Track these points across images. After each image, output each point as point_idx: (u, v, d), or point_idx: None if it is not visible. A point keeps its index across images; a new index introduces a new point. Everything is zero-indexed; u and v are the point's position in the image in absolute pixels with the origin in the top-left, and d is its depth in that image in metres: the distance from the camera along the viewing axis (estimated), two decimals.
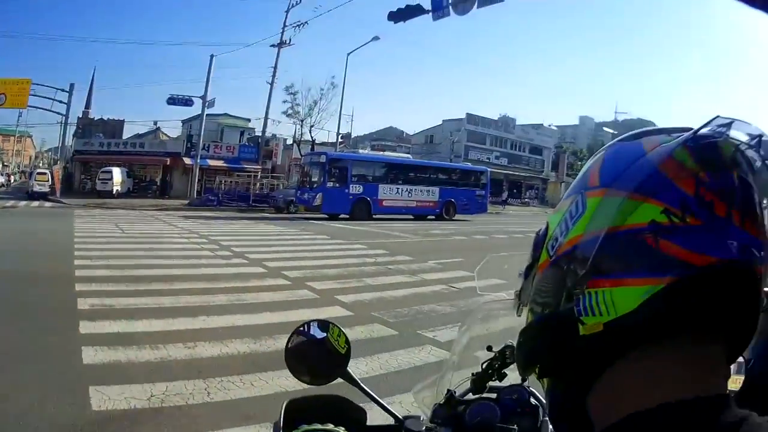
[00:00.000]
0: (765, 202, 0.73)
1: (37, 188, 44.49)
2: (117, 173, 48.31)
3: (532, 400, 1.74)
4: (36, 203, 38.55)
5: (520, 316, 0.96)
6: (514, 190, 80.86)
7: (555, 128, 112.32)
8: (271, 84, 51.04)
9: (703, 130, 0.75)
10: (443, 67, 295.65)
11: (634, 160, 0.77)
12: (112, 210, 34.84)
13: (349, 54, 52.09)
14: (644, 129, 0.85)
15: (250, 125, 62.62)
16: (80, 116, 61.10)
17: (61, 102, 50.37)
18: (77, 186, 52.89)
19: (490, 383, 1.76)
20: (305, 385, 1.79)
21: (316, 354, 1.74)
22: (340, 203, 34.41)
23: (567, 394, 0.79)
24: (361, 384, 1.72)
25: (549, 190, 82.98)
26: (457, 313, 9.85)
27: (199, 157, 47.78)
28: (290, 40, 49.78)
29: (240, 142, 58.94)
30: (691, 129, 0.77)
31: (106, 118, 62.12)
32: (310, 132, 55.82)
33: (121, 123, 62.14)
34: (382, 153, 48.76)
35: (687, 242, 0.69)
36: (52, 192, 44.08)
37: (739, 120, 0.76)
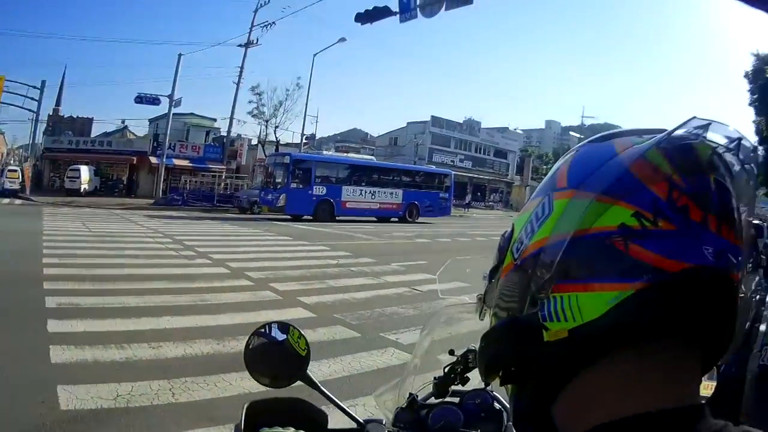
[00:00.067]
0: (743, 207, 0.72)
1: (8, 185, 43.60)
2: (85, 171, 47.74)
3: (496, 404, 1.74)
4: (6, 200, 37.93)
5: (483, 320, 0.96)
6: (478, 194, 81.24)
7: (520, 132, 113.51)
8: (237, 84, 50.71)
9: (679, 132, 0.74)
10: (408, 70, 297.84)
11: (604, 161, 0.75)
12: (79, 208, 34.37)
13: (315, 55, 51.99)
14: (617, 130, 0.84)
15: (216, 125, 62.26)
16: (51, 114, 60.24)
17: (32, 99, 49.83)
18: (47, 183, 52.14)
19: (453, 387, 1.76)
20: (267, 388, 1.76)
21: (277, 356, 1.71)
22: (303, 204, 34.25)
23: (532, 401, 0.76)
24: (321, 387, 1.71)
25: (514, 193, 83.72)
26: (420, 315, 9.88)
27: (165, 156, 47.39)
28: (257, 40, 49.46)
29: (205, 141, 58.52)
30: (667, 130, 0.75)
31: (75, 116, 61.29)
32: (274, 133, 55.67)
33: (90, 121, 61.26)
34: (346, 155, 48.88)
35: (659, 247, 0.67)
36: (23, 189, 43.55)
37: (717, 122, 0.75)
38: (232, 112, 51.86)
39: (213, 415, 5.54)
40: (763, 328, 7.95)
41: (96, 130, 62.21)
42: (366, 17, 22.68)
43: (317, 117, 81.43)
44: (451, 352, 1.79)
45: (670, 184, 0.69)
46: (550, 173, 0.84)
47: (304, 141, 55.49)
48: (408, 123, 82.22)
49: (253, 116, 55.46)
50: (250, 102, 55.66)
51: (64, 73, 70.90)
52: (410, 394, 1.77)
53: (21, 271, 11.92)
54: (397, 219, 39.31)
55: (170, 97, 46.35)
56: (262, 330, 1.76)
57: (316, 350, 5.39)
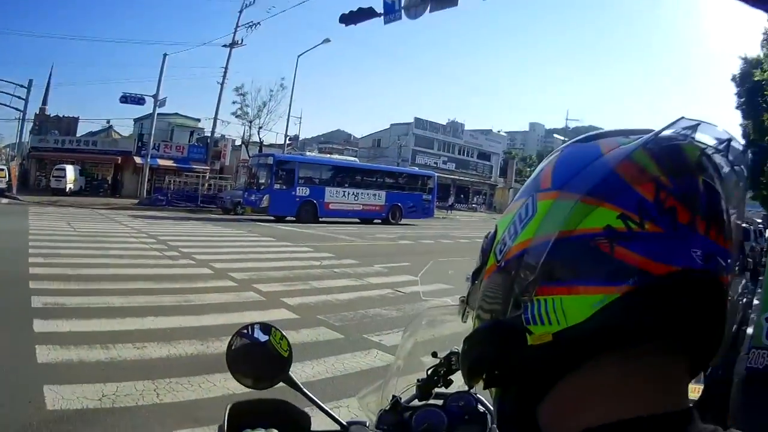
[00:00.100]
0: (732, 209, 0.71)
1: None
2: (70, 171, 47.59)
3: (480, 407, 1.75)
4: None
5: (465, 322, 0.96)
6: (462, 196, 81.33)
7: (504, 134, 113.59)
8: (222, 84, 50.52)
9: (666, 132, 0.72)
10: (392, 71, 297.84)
11: (589, 161, 0.73)
12: (64, 208, 34.15)
13: (299, 56, 51.95)
14: (602, 130, 0.82)
15: (200, 125, 61.74)
16: (37, 113, 59.98)
17: (19, 98, 49.97)
18: (33, 183, 51.83)
19: (436, 390, 1.76)
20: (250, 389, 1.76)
21: (259, 357, 1.71)
22: (286, 205, 34.19)
23: (516, 404, 0.75)
24: (304, 389, 1.71)
25: (497, 195, 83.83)
26: (404, 317, 9.88)
27: (149, 156, 47.15)
28: (242, 40, 49.36)
29: (190, 142, 58.08)
30: (654, 131, 0.74)
31: (61, 116, 60.98)
32: (258, 133, 55.43)
33: (76, 120, 60.94)
34: (329, 156, 48.85)
35: (646, 250, 0.65)
36: (9, 188, 43.00)
37: (706, 122, 0.74)
38: (216, 113, 51.78)
39: (197, 415, 5.55)
40: (750, 331, 7.95)
41: (82, 130, 62.03)
42: (350, 18, 22.61)
43: (301, 118, 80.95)
44: (434, 354, 1.77)
45: (657, 186, 0.68)
46: (533, 174, 0.82)
47: (287, 142, 55.35)
48: (391, 124, 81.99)
49: (237, 117, 55.21)
50: (234, 102, 55.27)
51: (50, 72, 70.23)
52: (393, 396, 1.76)
53: (7, 270, 11.83)
54: (380, 220, 39.29)
55: (155, 97, 46.15)
56: (245, 331, 1.75)
57: (299, 351, 5.33)
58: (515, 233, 0.75)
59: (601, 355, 0.67)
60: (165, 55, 46.60)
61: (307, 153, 45.10)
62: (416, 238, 28.38)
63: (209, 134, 54.83)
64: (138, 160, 49.86)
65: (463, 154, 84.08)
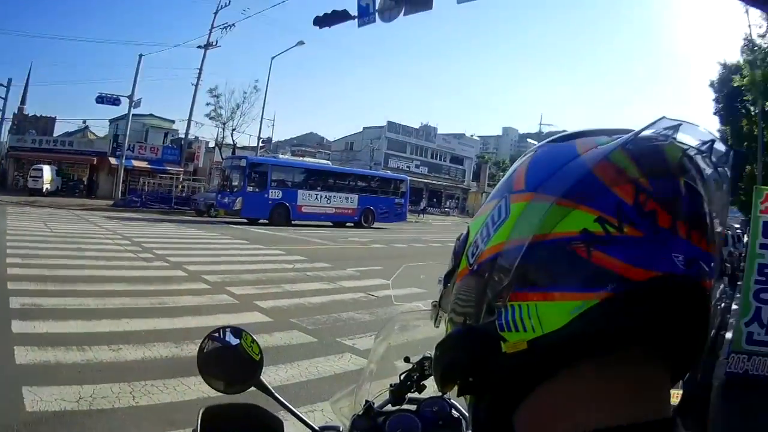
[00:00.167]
0: (715, 212, 0.69)
1: None
2: (47, 171, 47.23)
3: (454, 412, 1.74)
4: None
5: (438, 326, 0.96)
6: (434, 200, 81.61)
7: (477, 138, 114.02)
8: (196, 86, 50.36)
9: (646, 132, 0.70)
10: (365, 75, 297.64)
11: (565, 162, 0.71)
12: (41, 208, 33.80)
13: (273, 58, 51.97)
14: (580, 130, 0.79)
15: (174, 127, 61.51)
16: (16, 112, 59.53)
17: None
18: (11, 183, 51.40)
19: (410, 395, 1.77)
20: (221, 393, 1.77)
21: (230, 360, 1.72)
22: (259, 208, 34.09)
23: (491, 411, 0.73)
24: (275, 394, 1.71)
25: (470, 200, 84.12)
26: (376, 321, 9.92)
27: (124, 157, 46.98)
28: (217, 42, 49.22)
29: (164, 143, 57.92)
30: (633, 131, 0.71)
31: (39, 115, 60.55)
32: (231, 135, 55.24)
33: (53, 120, 60.69)
34: (302, 159, 48.76)
35: (625, 254, 0.63)
36: None
37: (689, 122, 0.72)
38: (190, 114, 51.67)
39: (173, 418, 5.55)
40: (729, 336, 8.03)
41: (60, 129, 61.78)
42: (324, 21, 22.58)
43: (274, 120, 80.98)
44: (407, 360, 1.78)
45: (637, 188, 0.66)
46: (507, 174, 0.80)
47: (260, 144, 55.25)
48: (364, 128, 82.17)
49: (211, 119, 54.94)
50: (208, 104, 55.08)
51: (29, 71, 69.54)
52: (366, 401, 1.74)
53: None
54: (352, 224, 39.22)
55: (130, 97, 45.78)
56: (216, 334, 1.75)
57: (273, 355, 5.38)
58: (488, 236, 0.73)
59: (579, 362, 0.65)
60: (141, 55, 46.39)
61: (280, 156, 45.07)
62: (389, 242, 28.42)
63: (183, 136, 54.59)
64: (113, 161, 49.99)
65: (436, 158, 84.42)
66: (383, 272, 15.46)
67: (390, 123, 78.57)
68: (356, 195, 39.74)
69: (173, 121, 62.15)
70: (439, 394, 1.71)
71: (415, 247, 26.79)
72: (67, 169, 52.78)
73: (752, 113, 24.52)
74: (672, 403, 0.72)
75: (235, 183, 34.84)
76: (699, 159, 0.70)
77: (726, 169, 0.71)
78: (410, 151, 79.95)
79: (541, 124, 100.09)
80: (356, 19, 22.42)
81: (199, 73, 49.88)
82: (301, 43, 48.70)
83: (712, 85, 30.78)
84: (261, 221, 34.11)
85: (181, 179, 50.51)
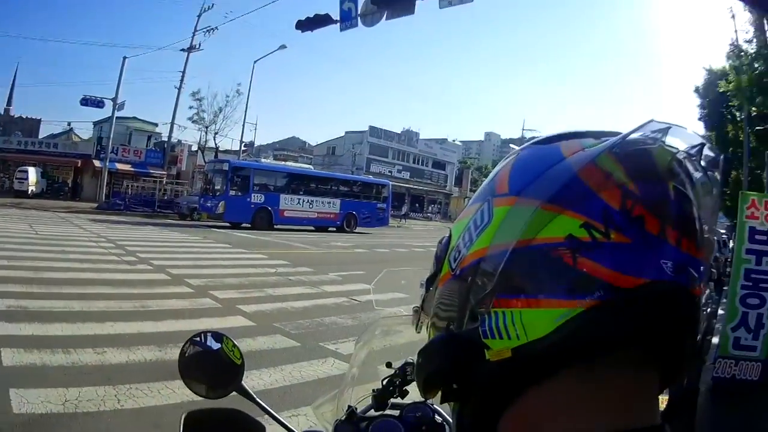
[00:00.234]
0: (705, 218, 0.67)
1: None
2: (32, 173, 47.07)
3: (437, 417, 1.71)
4: None
5: (419, 332, 0.93)
6: (417, 205, 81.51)
7: (459, 143, 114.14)
8: (179, 89, 50.10)
9: (634, 135, 0.69)
10: (347, 79, 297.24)
11: (549, 165, 0.69)
12: (26, 210, 33.72)
13: (255, 61, 51.82)
14: (565, 132, 0.77)
15: (158, 130, 61.06)
16: (2, 113, 59.19)
17: None
18: None
19: (392, 400, 1.74)
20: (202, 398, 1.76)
21: (212, 364, 1.72)
22: (242, 212, 34.02)
23: (476, 418, 0.71)
24: (257, 398, 1.70)
25: (452, 205, 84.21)
26: (359, 326, 9.87)
27: (108, 160, 46.82)
28: (200, 45, 49.03)
29: (147, 146, 57.60)
30: (621, 134, 0.70)
31: (24, 117, 60.13)
32: (214, 139, 55.05)
33: (38, 122, 60.18)
34: (284, 163, 48.65)
35: (612, 261, 0.62)
36: None
37: (678, 126, 0.70)
38: (173, 118, 51.40)
39: (158, 422, 5.58)
40: (715, 341, 8.06)
41: (45, 131, 61.25)
42: (306, 25, 22.54)
43: (256, 124, 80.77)
44: (389, 365, 1.76)
45: (624, 193, 0.64)
46: (489, 176, 0.78)
47: (243, 148, 55.10)
48: (346, 132, 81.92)
49: (194, 122, 54.73)
50: (190, 107, 54.90)
51: (15, 72, 69.15)
52: (349, 406, 1.71)
53: None
54: (335, 228, 39.19)
55: (114, 100, 45.61)
56: (197, 338, 1.75)
57: (256, 359, 5.39)
58: (470, 241, 0.72)
59: (564, 370, 0.64)
60: (125, 58, 46.18)
61: (262, 160, 45.02)
62: (371, 247, 28.42)
63: (166, 139, 54.36)
64: (97, 163, 49.85)
65: (418, 163, 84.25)
66: (366, 277, 15.26)
67: (372, 128, 78.42)
68: (338, 200, 39.65)
69: (156, 124, 61.79)
70: (422, 399, 1.68)
71: (397, 251, 26.81)
72: (52, 171, 52.45)
73: (738, 119, 24.62)
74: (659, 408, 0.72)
75: (218, 187, 34.74)
76: (688, 163, 0.68)
77: (716, 173, 0.70)
78: (392, 155, 79.79)
79: (523, 129, 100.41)
80: (338, 24, 22.46)
81: (182, 76, 49.70)
82: (283, 47, 48.66)
83: (696, 90, 30.88)
84: (243, 225, 33.98)
85: (164, 182, 50.36)
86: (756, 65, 13.63)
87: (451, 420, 1.52)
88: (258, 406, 1.70)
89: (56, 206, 38.46)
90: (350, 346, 8.22)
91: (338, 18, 22.38)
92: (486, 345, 0.66)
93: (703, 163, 0.69)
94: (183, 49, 49.25)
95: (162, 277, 13.95)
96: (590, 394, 0.65)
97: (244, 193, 34.33)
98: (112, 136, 47.37)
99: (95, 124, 59.90)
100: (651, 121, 0.70)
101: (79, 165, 52.15)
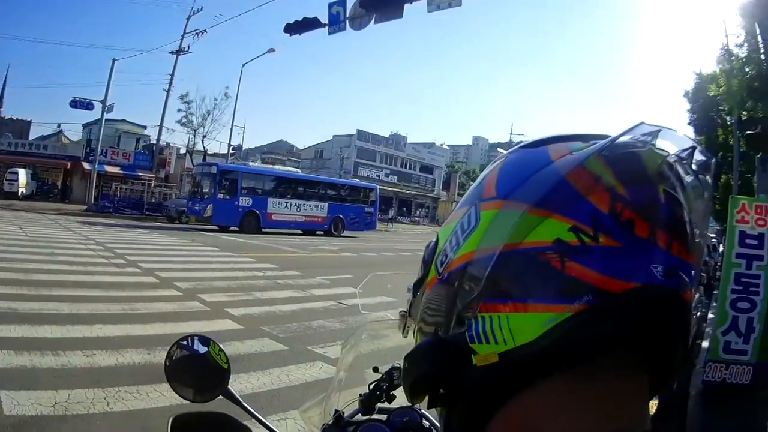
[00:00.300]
0: (696, 222, 0.66)
1: None
2: (22, 175, 47.08)
3: (425, 422, 1.70)
4: None
5: (406, 336, 0.92)
6: (404, 209, 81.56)
7: (447, 147, 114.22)
8: (168, 92, 50.00)
9: (623, 138, 0.68)
10: (335, 83, 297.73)
11: (537, 168, 0.69)
12: (16, 212, 33.65)
13: (244, 65, 51.89)
14: (553, 135, 0.76)
15: (146, 132, 60.91)
16: None
17: None
18: None
19: (379, 404, 1.75)
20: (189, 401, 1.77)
21: (198, 368, 1.72)
22: (230, 215, 33.91)
23: (463, 423, 0.71)
24: (243, 403, 1.72)
25: (440, 209, 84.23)
26: (347, 329, 9.82)
27: (97, 162, 46.63)
28: (189, 47, 48.94)
29: (136, 149, 57.56)
30: (610, 136, 0.69)
31: (15, 118, 60.02)
32: (202, 142, 55.05)
33: (28, 123, 60.33)
34: (272, 166, 48.63)
35: (601, 265, 0.61)
36: None
37: (668, 128, 0.70)
38: (162, 120, 51.30)
39: (146, 425, 5.59)
40: (705, 345, 8.11)
41: (35, 133, 61.34)
42: (295, 28, 22.57)
43: (244, 128, 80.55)
44: (375, 369, 1.76)
45: (613, 196, 0.63)
46: (477, 180, 0.78)
47: (231, 151, 55.02)
48: (334, 136, 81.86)
49: (182, 125, 54.73)
50: (179, 110, 54.88)
51: (6, 74, 68.74)
52: (336, 410, 1.71)
53: None
54: (322, 232, 39.14)
55: (103, 102, 45.31)
56: (184, 342, 1.75)
57: (244, 362, 5.46)
58: (457, 245, 0.71)
59: (552, 374, 0.64)
60: (114, 60, 45.95)
61: (250, 163, 44.85)
62: (358, 251, 28.45)
63: (155, 142, 54.24)
64: (86, 165, 49.64)
65: (406, 167, 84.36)
66: (353, 281, 15.35)
67: (359, 131, 78.42)
68: (326, 203, 39.67)
69: (145, 127, 61.57)
70: (410, 404, 1.65)
71: (385, 255, 26.84)
72: (42, 173, 52.44)
73: (728, 123, 24.69)
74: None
75: (206, 190, 34.61)
76: (679, 166, 0.67)
77: (708, 177, 0.69)
78: (380, 159, 79.82)
79: (511, 133, 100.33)
80: (327, 27, 22.49)
81: (171, 79, 49.64)
82: (271, 50, 48.78)
83: (686, 95, 30.93)
84: (231, 228, 33.95)
85: (152, 185, 50.24)
86: (746, 69, 13.71)
87: (438, 424, 1.54)
88: (245, 411, 1.72)
89: (46, 208, 38.39)
90: (338, 349, 8.16)
91: (327, 21, 22.43)
92: (473, 350, 0.66)
93: (694, 166, 0.68)
94: (172, 52, 49.29)
95: (150, 280, 13.92)
96: (575, 399, 0.64)
97: (232, 197, 34.25)
98: (101, 138, 47.21)
99: (84, 126, 59.76)
100: (641, 123, 0.70)
101: (68, 167, 52.08)
